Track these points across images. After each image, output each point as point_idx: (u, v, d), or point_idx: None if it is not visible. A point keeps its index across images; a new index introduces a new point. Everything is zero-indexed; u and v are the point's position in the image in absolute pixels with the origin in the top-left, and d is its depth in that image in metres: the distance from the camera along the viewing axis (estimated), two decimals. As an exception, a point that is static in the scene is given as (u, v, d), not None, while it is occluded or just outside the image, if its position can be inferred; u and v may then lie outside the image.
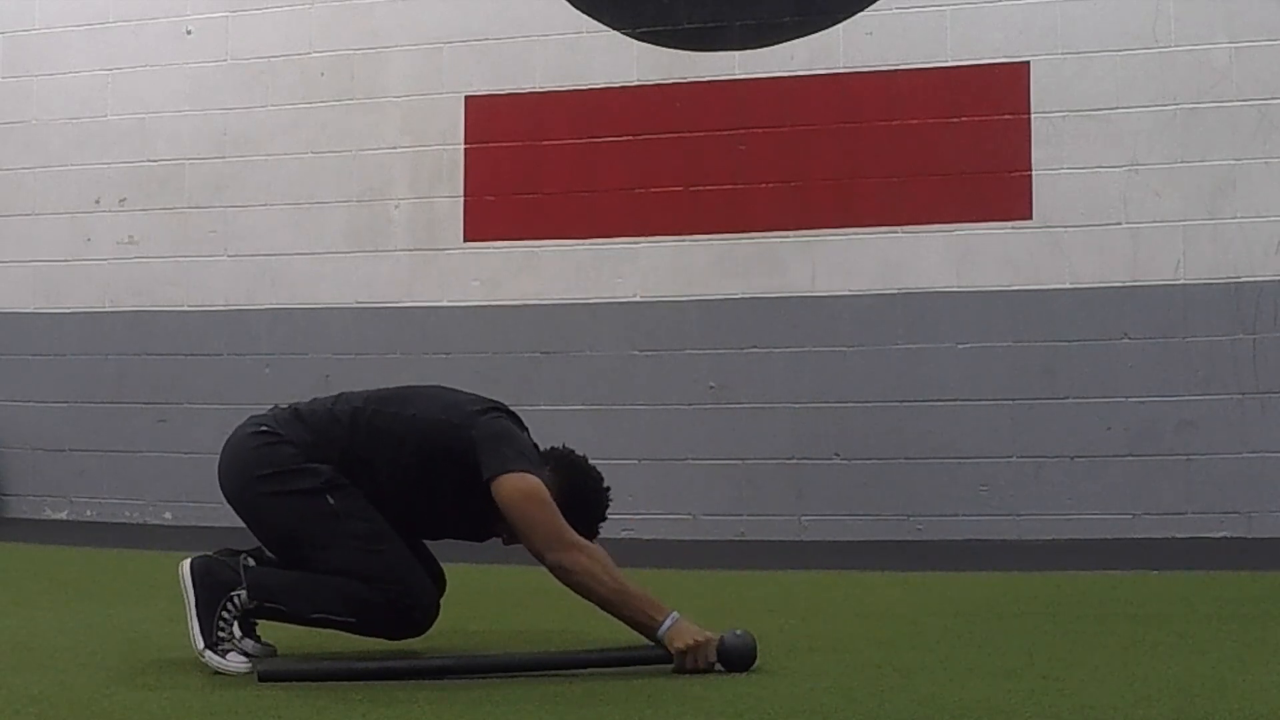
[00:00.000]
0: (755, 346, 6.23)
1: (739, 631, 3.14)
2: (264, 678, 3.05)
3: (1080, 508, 5.90)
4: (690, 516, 6.26)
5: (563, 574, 3.14)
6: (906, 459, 6.08)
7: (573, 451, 3.38)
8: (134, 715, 2.75)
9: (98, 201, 7.06)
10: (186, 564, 3.24)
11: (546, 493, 3.17)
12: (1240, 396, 5.81)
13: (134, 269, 6.99)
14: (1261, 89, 5.83)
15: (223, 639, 3.17)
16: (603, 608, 3.16)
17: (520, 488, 3.16)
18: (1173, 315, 5.87)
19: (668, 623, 3.08)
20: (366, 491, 3.27)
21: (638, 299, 6.37)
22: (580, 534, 3.20)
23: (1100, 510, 5.88)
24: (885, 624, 3.85)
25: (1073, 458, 5.93)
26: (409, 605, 3.24)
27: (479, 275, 6.56)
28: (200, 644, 3.14)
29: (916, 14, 6.16)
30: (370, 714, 2.74)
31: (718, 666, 3.09)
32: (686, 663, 3.06)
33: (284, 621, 3.30)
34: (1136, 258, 5.91)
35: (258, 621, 3.33)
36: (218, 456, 3.44)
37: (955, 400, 6.04)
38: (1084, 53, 6.00)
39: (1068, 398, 5.97)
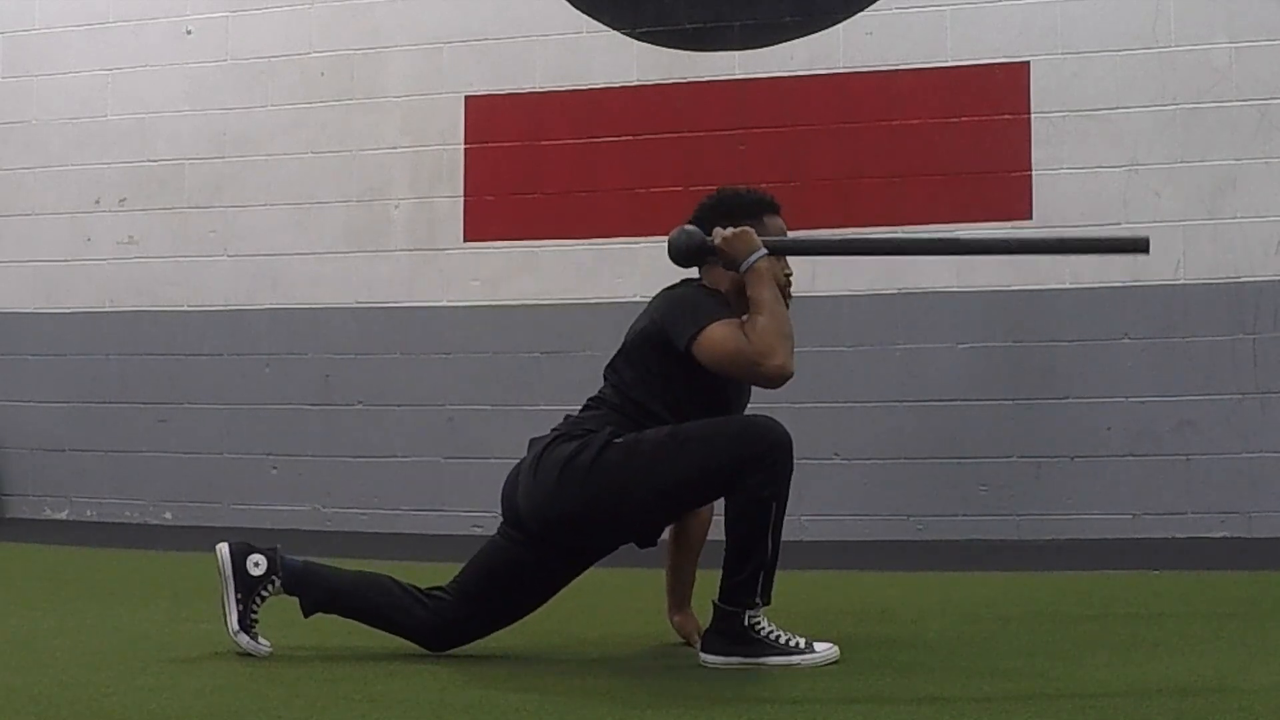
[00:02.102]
0: (755, 346, 6.22)
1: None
2: None
3: (1080, 508, 5.90)
4: (690, 516, 6.26)
5: (776, 371, 3.31)
6: (906, 459, 6.08)
7: (716, 193, 3.57)
8: (134, 715, 2.75)
9: (98, 201, 7.06)
10: (225, 546, 3.33)
11: (729, 331, 3.26)
12: (1240, 396, 5.81)
13: (134, 269, 6.99)
14: (1261, 89, 5.83)
15: (255, 621, 3.29)
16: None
17: (704, 344, 3.26)
18: (1173, 315, 5.87)
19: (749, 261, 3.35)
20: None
21: (638, 299, 6.33)
22: (760, 212, 3.47)
23: (1100, 510, 5.88)
24: (885, 624, 3.85)
25: (1073, 458, 5.93)
26: (769, 446, 3.26)
27: (479, 275, 6.56)
28: (235, 625, 3.26)
29: (916, 14, 6.16)
30: (370, 714, 2.74)
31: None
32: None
33: (314, 609, 3.37)
34: (1136, 258, 5.89)
35: (257, 619, 3.34)
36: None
37: (955, 400, 6.04)
38: (1084, 53, 6.00)
39: (1068, 398, 5.97)
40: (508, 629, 3.43)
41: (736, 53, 6.34)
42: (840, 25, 6.23)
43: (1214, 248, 5.84)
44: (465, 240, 6.58)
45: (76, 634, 3.72)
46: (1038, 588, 4.57)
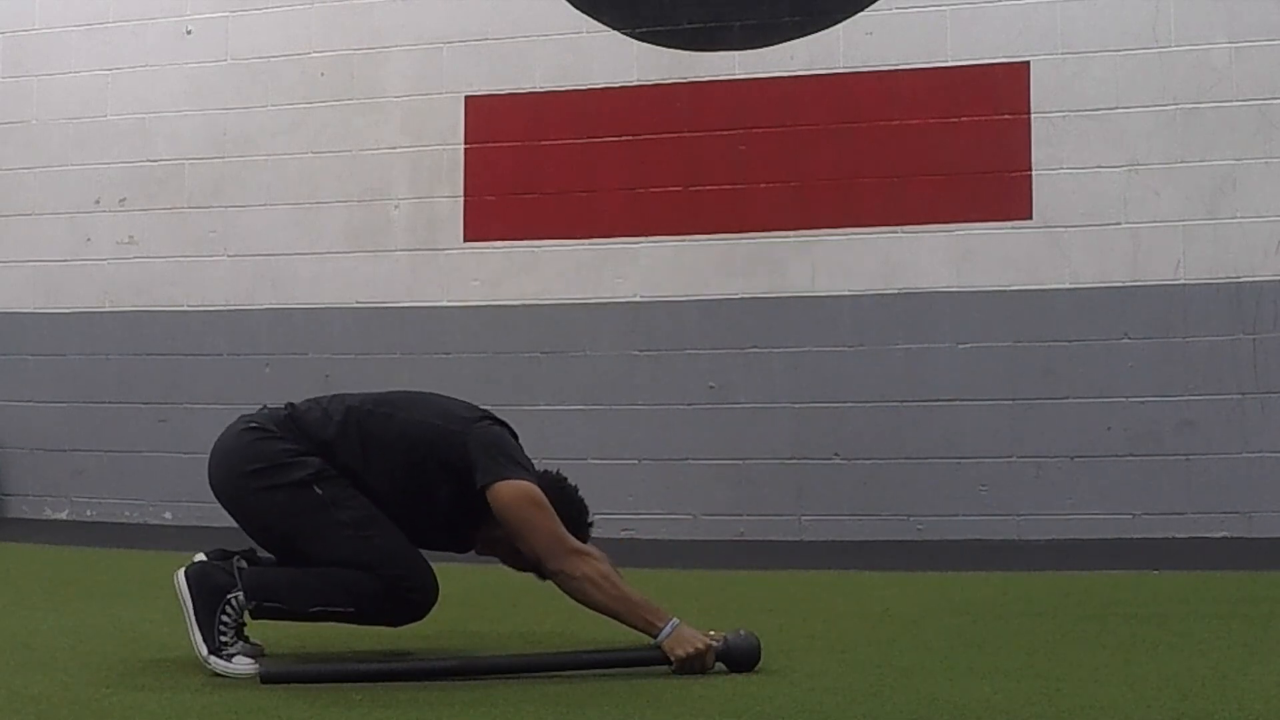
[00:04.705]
0: (755, 346, 6.23)
1: (743, 632, 3.16)
2: (266, 679, 3.06)
3: (1080, 508, 5.90)
4: (690, 516, 6.26)
5: (565, 580, 3.16)
6: (906, 459, 6.08)
7: (547, 471, 3.39)
8: (134, 715, 2.75)
9: (98, 201, 7.06)
10: (181, 572, 3.27)
11: (545, 498, 3.19)
12: (1240, 396, 5.81)
13: (134, 269, 6.99)
14: (1261, 89, 5.82)
15: (225, 643, 3.18)
16: (604, 614, 3.18)
17: (521, 492, 3.18)
18: (1173, 315, 5.87)
19: (667, 629, 3.11)
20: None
21: (638, 299, 6.37)
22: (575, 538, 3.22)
23: (1100, 510, 5.88)
24: (885, 624, 3.85)
25: (1073, 458, 5.93)
26: (407, 588, 3.24)
27: (479, 275, 6.56)
28: (204, 650, 3.16)
29: (916, 14, 6.16)
30: (370, 715, 2.74)
31: (719, 667, 3.11)
32: (684, 669, 3.09)
33: (283, 619, 3.30)
34: (1136, 258, 5.91)
35: (245, 622, 3.30)
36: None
37: (955, 400, 6.04)
38: (1084, 53, 6.00)
39: (1068, 398, 5.97)
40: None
41: (736, 53, 6.33)
42: (840, 25, 6.23)
43: (1214, 248, 5.84)
44: (465, 240, 6.58)
45: (76, 634, 3.72)
46: (1038, 588, 4.57)
